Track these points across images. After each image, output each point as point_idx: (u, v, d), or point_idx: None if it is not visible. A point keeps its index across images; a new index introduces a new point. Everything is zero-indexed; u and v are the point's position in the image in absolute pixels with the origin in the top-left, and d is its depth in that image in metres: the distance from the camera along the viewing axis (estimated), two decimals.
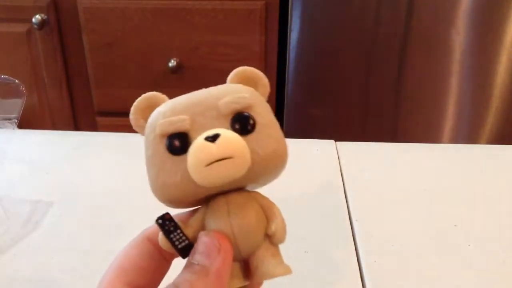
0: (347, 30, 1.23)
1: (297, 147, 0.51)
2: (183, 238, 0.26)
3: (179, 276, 0.25)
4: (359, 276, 0.44)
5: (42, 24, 1.24)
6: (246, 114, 0.26)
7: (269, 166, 0.26)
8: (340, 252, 0.47)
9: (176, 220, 0.26)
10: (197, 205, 0.28)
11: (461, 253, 0.47)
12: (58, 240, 0.48)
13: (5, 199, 0.52)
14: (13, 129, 0.52)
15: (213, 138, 0.24)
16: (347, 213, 0.52)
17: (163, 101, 0.27)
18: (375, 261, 0.46)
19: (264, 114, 0.27)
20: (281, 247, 0.28)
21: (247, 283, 0.27)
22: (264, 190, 0.28)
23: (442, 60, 1.23)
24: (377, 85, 1.28)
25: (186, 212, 0.28)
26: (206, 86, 0.27)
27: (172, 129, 0.26)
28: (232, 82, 0.28)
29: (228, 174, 0.25)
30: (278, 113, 1.27)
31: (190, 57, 1.25)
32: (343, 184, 0.56)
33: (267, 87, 0.29)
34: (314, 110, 1.31)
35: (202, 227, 0.27)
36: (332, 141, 0.63)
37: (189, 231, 0.27)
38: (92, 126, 1.38)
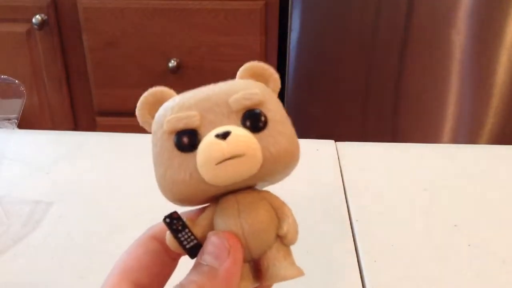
0: (347, 30, 1.23)
1: None
2: (192, 237, 0.25)
3: (187, 276, 0.24)
4: (359, 276, 0.44)
5: (42, 24, 1.24)
6: (257, 110, 0.25)
7: (280, 164, 0.25)
8: (340, 252, 0.47)
9: (184, 218, 0.26)
10: (206, 203, 0.27)
11: (461, 253, 0.47)
12: (58, 240, 0.48)
13: (5, 199, 0.52)
14: (13, 129, 0.52)
15: (223, 136, 0.24)
16: (347, 213, 0.52)
17: (171, 96, 0.27)
18: (375, 261, 0.46)
19: (275, 111, 0.26)
20: None
21: (257, 285, 0.27)
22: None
23: (442, 60, 1.23)
24: (377, 85, 1.28)
25: (195, 210, 0.28)
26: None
27: (181, 125, 0.25)
28: (241, 77, 0.27)
29: (239, 172, 0.24)
30: None
31: (190, 57, 1.25)
32: (343, 184, 0.56)
33: (278, 82, 0.28)
34: (314, 110, 1.31)
35: (211, 226, 0.26)
36: (332, 141, 0.63)
37: (197, 230, 0.26)
38: (92, 126, 1.38)
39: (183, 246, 0.25)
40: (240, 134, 0.24)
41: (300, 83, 1.27)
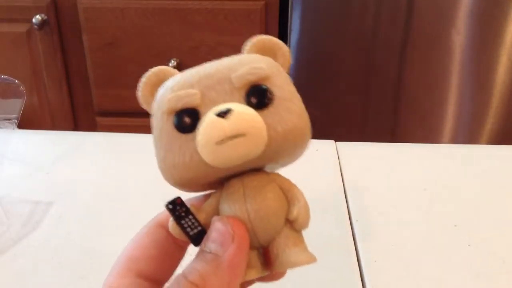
0: (347, 30, 1.23)
1: None
2: (196, 224, 0.24)
3: (189, 265, 0.23)
4: (359, 276, 0.44)
5: (42, 24, 1.24)
6: (262, 86, 0.23)
7: (289, 144, 0.23)
8: (340, 252, 0.47)
9: (188, 205, 0.24)
10: (212, 189, 0.25)
11: (461, 253, 0.47)
12: (58, 240, 0.48)
13: (5, 199, 0.52)
14: (13, 129, 0.52)
15: (225, 114, 0.22)
16: (347, 213, 0.52)
17: (173, 76, 0.25)
18: (375, 261, 0.46)
19: (283, 86, 0.24)
20: None
21: (266, 273, 0.25)
22: None
23: (442, 60, 1.23)
24: (377, 85, 1.28)
25: (200, 196, 0.26)
26: None
27: (180, 104, 0.23)
28: (248, 52, 0.26)
29: (242, 153, 0.22)
30: None
31: (190, 57, 1.25)
32: (343, 184, 0.56)
33: (288, 57, 0.26)
34: (314, 110, 1.31)
35: (217, 213, 0.25)
36: (332, 141, 0.63)
37: (202, 217, 0.24)
38: (92, 126, 1.38)
39: (187, 233, 0.24)
40: (242, 111, 0.22)
41: (300, 83, 1.26)
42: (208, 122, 0.22)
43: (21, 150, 0.61)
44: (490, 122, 1.27)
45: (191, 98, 0.23)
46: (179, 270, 0.25)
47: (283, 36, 1.24)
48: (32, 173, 0.58)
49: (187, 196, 0.26)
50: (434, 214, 0.52)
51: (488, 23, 1.19)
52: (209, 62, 0.25)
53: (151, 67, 0.27)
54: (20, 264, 0.46)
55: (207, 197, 0.26)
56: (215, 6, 1.21)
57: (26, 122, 0.56)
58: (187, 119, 0.23)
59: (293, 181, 0.26)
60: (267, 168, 0.25)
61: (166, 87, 0.24)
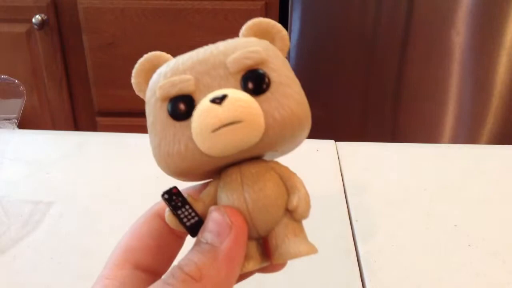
0: (347, 30, 1.23)
1: None
2: (192, 214, 0.23)
3: (186, 256, 0.22)
4: (359, 276, 0.44)
5: (42, 24, 1.24)
6: (259, 71, 0.22)
7: (287, 131, 0.23)
8: (340, 252, 0.47)
9: (185, 194, 0.24)
10: (209, 178, 0.25)
11: (461, 253, 0.47)
12: (58, 240, 0.48)
13: (5, 199, 0.52)
14: (13, 129, 0.52)
15: (220, 100, 0.21)
16: (347, 213, 0.52)
17: (168, 61, 0.24)
18: (375, 261, 0.46)
19: (280, 71, 0.23)
20: None
21: (266, 264, 0.24)
22: None
23: (442, 60, 1.23)
24: (377, 85, 1.28)
25: (197, 185, 0.25)
26: None
27: (174, 91, 0.22)
28: (245, 36, 0.25)
29: (238, 141, 0.22)
30: None
31: None
32: (343, 184, 0.56)
33: (286, 41, 0.25)
34: (314, 110, 1.30)
35: (214, 202, 0.24)
36: (332, 141, 0.63)
37: (199, 207, 0.24)
38: (92, 126, 1.38)
39: (183, 224, 0.23)
40: (238, 97, 0.22)
41: (300, 83, 1.27)
42: (203, 109, 0.22)
43: (21, 150, 0.61)
44: (490, 122, 1.27)
45: (185, 84, 0.22)
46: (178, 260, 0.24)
47: None
48: (32, 173, 0.58)
49: (184, 186, 0.25)
50: (434, 214, 0.52)
51: (488, 23, 1.19)
52: (204, 46, 0.24)
53: None
54: (20, 264, 0.46)
55: (205, 186, 0.25)
56: (215, 6, 1.21)
57: (26, 122, 0.56)
58: (181, 106, 0.22)
59: None
60: (266, 156, 0.24)
61: (159, 73, 0.23)
